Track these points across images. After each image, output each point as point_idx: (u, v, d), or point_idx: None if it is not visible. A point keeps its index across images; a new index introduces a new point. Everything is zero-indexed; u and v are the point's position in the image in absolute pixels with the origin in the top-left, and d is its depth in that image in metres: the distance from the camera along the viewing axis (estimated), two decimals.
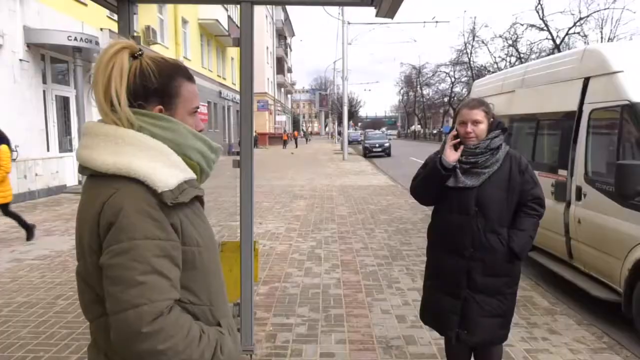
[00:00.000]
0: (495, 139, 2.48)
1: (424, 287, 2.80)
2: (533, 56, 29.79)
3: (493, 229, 2.45)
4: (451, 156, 2.49)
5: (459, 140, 2.51)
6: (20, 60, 10.67)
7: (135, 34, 3.01)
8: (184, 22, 22.91)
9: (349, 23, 25.95)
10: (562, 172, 4.99)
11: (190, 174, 1.17)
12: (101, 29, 13.97)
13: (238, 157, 3.03)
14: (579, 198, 4.61)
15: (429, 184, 2.58)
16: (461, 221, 2.49)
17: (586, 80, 4.72)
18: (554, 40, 28.72)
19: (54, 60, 12.26)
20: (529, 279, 5.23)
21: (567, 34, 28.44)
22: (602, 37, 28.00)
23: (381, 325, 3.97)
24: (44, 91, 11.73)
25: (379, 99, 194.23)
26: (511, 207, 2.49)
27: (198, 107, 1.24)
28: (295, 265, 5.71)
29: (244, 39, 2.90)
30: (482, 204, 2.45)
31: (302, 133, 55.67)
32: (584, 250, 4.57)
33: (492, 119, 2.53)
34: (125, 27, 2.96)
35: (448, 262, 2.55)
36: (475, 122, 2.48)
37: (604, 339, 3.74)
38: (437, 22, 27.86)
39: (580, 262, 4.69)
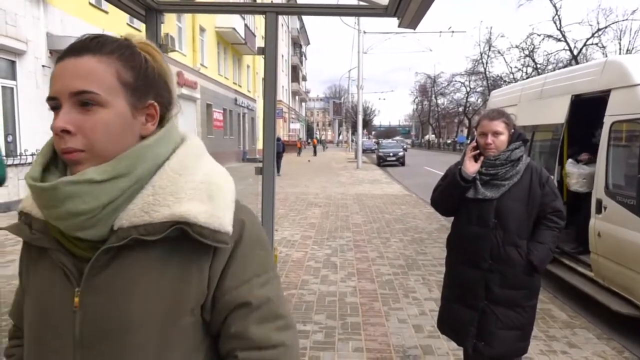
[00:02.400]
0: (516, 151, 2.48)
1: (442, 297, 2.80)
2: (550, 67, 29.60)
3: (512, 241, 2.45)
4: (471, 168, 2.49)
5: (478, 151, 2.52)
6: (43, 66, 10.92)
7: (162, 43, 3.09)
8: (202, 30, 23.22)
9: (364, 32, 26.07)
10: None
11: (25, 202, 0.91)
12: (121, 36, 14.22)
13: (260, 164, 3.08)
14: (599, 211, 4.57)
15: (449, 195, 2.60)
16: (480, 233, 2.49)
17: (607, 93, 4.70)
18: (571, 51, 28.54)
19: None
20: (547, 291, 5.17)
21: (585, 44, 28.25)
22: (620, 49, 27.76)
23: (398, 334, 3.96)
24: None
25: (394, 108, 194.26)
26: (531, 220, 2.49)
27: (52, 99, 0.81)
28: (311, 273, 5.73)
29: (268, 48, 2.95)
30: (502, 216, 2.45)
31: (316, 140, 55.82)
32: (603, 264, 4.52)
33: (512, 130, 2.52)
34: (152, 35, 3.03)
35: (466, 273, 2.55)
36: (496, 134, 2.47)
37: (625, 354, 3.69)
38: (453, 31, 27.85)
39: (599, 276, 4.64)
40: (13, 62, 10.31)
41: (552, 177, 2.59)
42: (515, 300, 2.47)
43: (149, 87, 0.86)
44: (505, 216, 2.45)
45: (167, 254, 0.82)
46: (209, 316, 0.87)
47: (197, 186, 0.84)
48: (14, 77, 10.34)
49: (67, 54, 0.82)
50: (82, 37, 0.84)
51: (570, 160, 5.47)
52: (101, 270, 0.81)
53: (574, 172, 5.32)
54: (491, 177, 2.48)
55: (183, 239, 0.81)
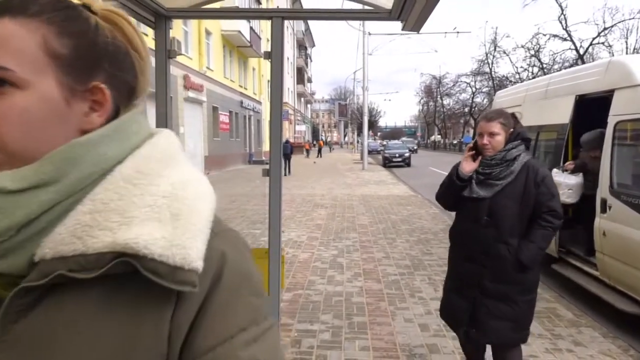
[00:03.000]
0: (512, 150, 2.56)
1: (443, 287, 2.96)
2: (556, 66, 29.51)
3: (503, 239, 2.55)
4: (466, 167, 2.63)
5: (474, 152, 2.63)
6: None
7: (170, 48, 3.16)
8: (208, 33, 23.37)
9: (369, 34, 26.15)
10: None
11: None
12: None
13: (267, 166, 3.14)
14: (604, 210, 4.59)
15: (448, 193, 2.74)
16: (473, 229, 2.63)
17: (611, 92, 4.73)
18: (577, 51, 28.42)
19: None
20: (553, 290, 5.20)
21: (591, 44, 28.12)
22: (627, 48, 27.61)
23: (404, 333, 4.01)
24: None
25: (399, 109, 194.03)
26: (524, 218, 2.57)
27: None
28: (317, 273, 5.78)
29: (274, 53, 3.01)
30: (494, 215, 2.56)
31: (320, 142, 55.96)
32: (609, 263, 4.54)
33: (511, 130, 2.60)
34: (162, 41, 3.10)
35: (463, 265, 2.72)
36: (492, 134, 2.58)
37: (630, 352, 3.71)
38: (458, 32, 27.93)
39: (605, 275, 4.66)
40: None
41: (549, 176, 2.62)
42: (507, 295, 2.57)
43: (96, 63, 0.62)
44: (497, 214, 2.55)
45: (109, 299, 0.57)
46: None
47: (157, 202, 0.59)
48: None
49: None
50: None
51: (555, 169, 5.42)
52: (21, 316, 0.56)
53: (561, 182, 5.24)
54: (486, 177, 2.59)
55: (133, 276, 0.55)
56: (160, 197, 0.59)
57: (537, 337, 3.94)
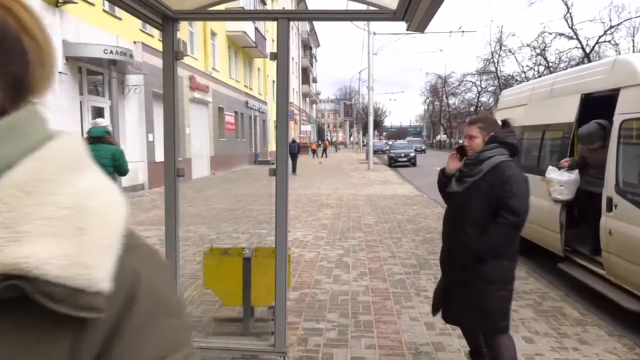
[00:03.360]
0: (486, 152, 2.84)
1: None
2: (562, 65, 29.38)
3: (465, 230, 2.85)
4: (451, 165, 3.04)
5: (457, 152, 3.03)
6: (60, 72, 11.15)
7: (177, 50, 3.20)
8: (213, 34, 23.45)
9: (374, 34, 26.16)
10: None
11: None
12: (134, 42, 14.48)
13: (273, 166, 3.17)
14: (609, 209, 4.59)
15: (439, 188, 3.18)
16: (450, 221, 3.04)
17: (617, 91, 4.72)
18: (583, 49, 28.30)
19: (90, 72, 12.76)
20: (559, 289, 5.20)
21: (597, 42, 27.98)
22: (634, 46, 27.44)
23: (410, 332, 4.03)
24: (80, 102, 12.23)
25: (404, 109, 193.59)
26: (488, 213, 2.80)
27: None
28: (323, 273, 5.81)
29: (280, 53, 3.04)
30: (463, 208, 2.90)
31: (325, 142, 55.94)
32: (615, 262, 4.54)
33: (491, 134, 2.88)
34: (169, 43, 3.14)
35: (443, 253, 3.18)
36: (471, 137, 2.93)
37: (636, 350, 3.71)
38: (463, 31, 27.82)
39: (611, 273, 4.65)
40: None
41: (516, 176, 2.76)
42: (470, 283, 2.86)
43: None
44: (465, 208, 2.88)
45: None
46: None
47: (57, 213, 0.49)
48: None
49: None
50: None
51: (551, 166, 5.43)
52: None
53: (553, 179, 5.24)
54: (462, 174, 2.95)
55: (21, 302, 0.46)
56: (61, 207, 0.49)
57: (542, 336, 3.95)
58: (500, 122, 2.99)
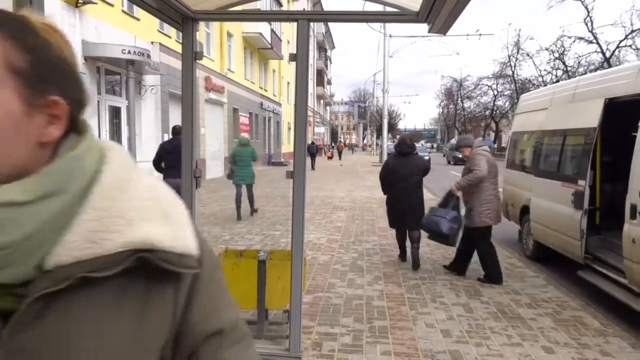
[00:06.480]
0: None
1: None
2: (581, 69, 28.94)
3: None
4: None
5: None
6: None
7: (197, 50, 3.19)
8: (229, 35, 23.57)
9: (390, 36, 26.03)
10: None
11: None
12: (152, 42, 14.60)
13: (286, 167, 3.14)
14: (633, 216, 4.47)
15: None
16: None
17: None
18: (603, 54, 27.83)
19: (107, 72, 12.88)
20: (579, 298, 5.08)
21: (617, 47, 27.50)
22: None
23: (426, 338, 3.96)
24: (97, 102, 12.35)
25: (419, 112, 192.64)
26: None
27: None
28: (337, 276, 5.76)
29: (300, 54, 3.01)
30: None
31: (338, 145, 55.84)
32: (638, 271, 4.42)
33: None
34: (189, 43, 3.13)
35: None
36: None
37: None
38: (480, 34, 27.54)
39: (634, 283, 4.53)
40: None
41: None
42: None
43: (51, 78, 0.63)
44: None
45: (120, 291, 0.64)
46: (170, 353, 0.71)
47: (144, 204, 0.66)
48: None
49: None
50: None
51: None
52: (29, 325, 0.59)
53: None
54: None
55: (138, 269, 0.64)
56: (144, 199, 0.67)
57: (563, 346, 3.85)
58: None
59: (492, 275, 5.51)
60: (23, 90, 0.60)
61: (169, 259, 0.64)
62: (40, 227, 0.59)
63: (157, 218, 0.66)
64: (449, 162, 37.38)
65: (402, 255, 6.55)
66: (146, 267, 0.64)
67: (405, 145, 6.49)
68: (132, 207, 0.65)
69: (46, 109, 0.62)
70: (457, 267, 5.87)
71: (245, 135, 10.71)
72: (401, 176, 6.20)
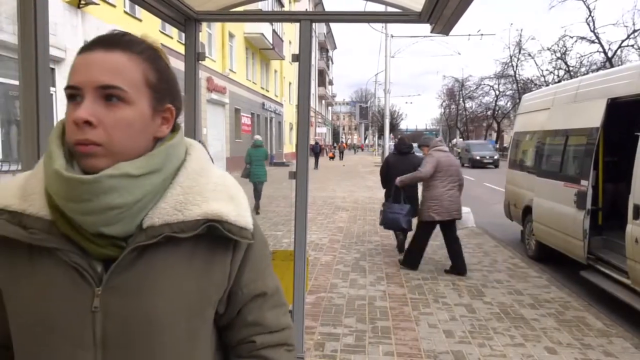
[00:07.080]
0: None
1: None
2: (583, 69, 28.89)
3: None
4: None
5: None
6: None
7: (199, 51, 3.19)
8: (231, 36, 23.58)
9: (392, 36, 25.98)
10: None
11: (12, 202, 0.82)
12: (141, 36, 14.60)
13: (288, 168, 3.13)
14: (636, 217, 4.46)
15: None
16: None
17: None
18: (605, 53, 27.80)
19: None
20: (582, 299, 5.08)
21: (620, 46, 27.46)
22: None
23: (429, 339, 3.95)
24: None
25: (420, 112, 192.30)
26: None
27: (73, 88, 0.79)
28: (340, 276, 5.76)
29: (302, 55, 3.00)
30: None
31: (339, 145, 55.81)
32: None
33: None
34: (191, 44, 3.13)
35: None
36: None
37: None
38: (482, 34, 27.45)
39: (637, 283, 4.52)
40: (52, 70, 10.70)
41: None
42: None
43: (169, 91, 0.86)
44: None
45: (192, 250, 0.84)
46: (223, 308, 0.91)
47: (216, 187, 0.88)
48: (53, 83, 10.73)
49: (95, 45, 0.81)
50: (111, 31, 0.85)
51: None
52: (125, 269, 0.80)
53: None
54: None
55: (207, 235, 0.84)
56: (217, 184, 0.89)
57: (565, 347, 3.85)
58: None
59: (409, 260, 6.15)
60: (152, 100, 0.83)
61: (231, 229, 0.84)
62: (145, 195, 0.80)
63: (225, 199, 0.87)
64: None
65: (400, 247, 6.93)
66: (212, 235, 0.84)
67: (404, 145, 7.23)
68: (208, 188, 0.86)
69: (163, 113, 0.86)
70: (456, 267, 5.95)
71: (259, 137, 11.64)
72: (399, 172, 6.57)
